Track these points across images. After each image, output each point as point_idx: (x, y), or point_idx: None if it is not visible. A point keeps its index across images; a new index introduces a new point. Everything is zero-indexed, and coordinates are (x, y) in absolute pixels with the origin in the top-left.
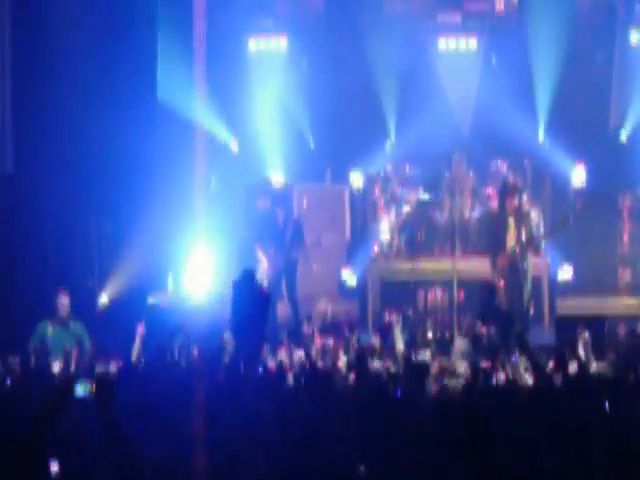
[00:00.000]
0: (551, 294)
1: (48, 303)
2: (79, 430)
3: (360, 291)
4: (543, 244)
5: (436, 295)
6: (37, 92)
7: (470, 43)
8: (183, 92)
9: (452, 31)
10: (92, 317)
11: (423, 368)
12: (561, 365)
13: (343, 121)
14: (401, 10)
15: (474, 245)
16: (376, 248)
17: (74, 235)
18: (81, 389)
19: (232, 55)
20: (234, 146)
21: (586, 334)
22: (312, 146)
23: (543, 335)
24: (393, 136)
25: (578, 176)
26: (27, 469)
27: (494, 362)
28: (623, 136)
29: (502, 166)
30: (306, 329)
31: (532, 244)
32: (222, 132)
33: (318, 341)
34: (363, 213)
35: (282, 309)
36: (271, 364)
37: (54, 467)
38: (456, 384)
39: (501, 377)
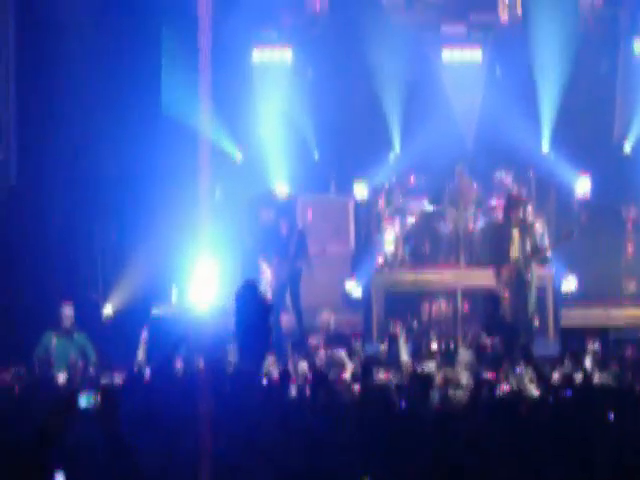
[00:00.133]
0: (555, 305)
1: (52, 314)
2: (83, 441)
3: (364, 302)
4: (550, 255)
5: (440, 306)
6: (41, 103)
7: (474, 54)
8: (187, 103)
9: (456, 42)
10: (96, 328)
11: (427, 379)
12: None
13: (347, 132)
14: (406, 21)
15: (478, 256)
16: (380, 259)
17: (78, 246)
18: (85, 400)
19: (236, 66)
20: (238, 157)
21: (594, 346)
22: (316, 157)
23: (548, 346)
24: (397, 147)
25: (582, 187)
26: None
27: (498, 373)
28: (627, 147)
29: (506, 177)
30: (312, 340)
31: (536, 255)
32: (227, 143)
33: (322, 352)
34: (367, 224)
35: (286, 320)
36: (276, 375)
37: (59, 478)
38: (460, 395)
39: (505, 388)
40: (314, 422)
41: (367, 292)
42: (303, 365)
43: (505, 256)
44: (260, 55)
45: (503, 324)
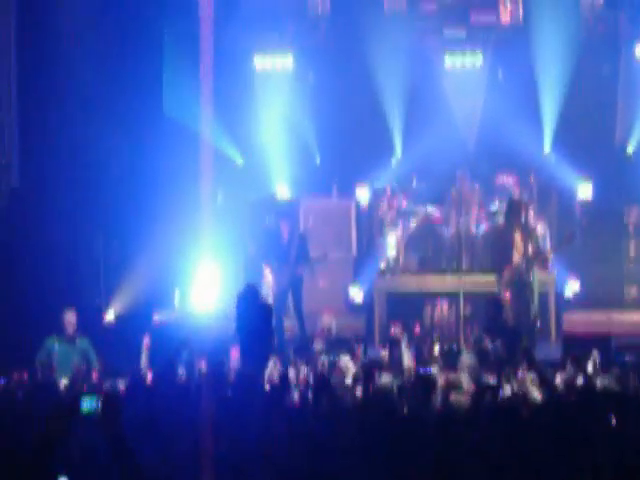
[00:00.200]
0: (557, 309)
1: (54, 319)
2: (86, 446)
3: (367, 306)
4: (551, 258)
5: (443, 310)
6: (43, 106)
7: (476, 58)
8: (190, 108)
9: (458, 45)
10: (99, 333)
11: (430, 383)
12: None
13: (349, 136)
14: (407, 26)
15: (480, 260)
16: (383, 263)
17: (80, 251)
18: (87, 405)
19: (238, 71)
20: (240, 162)
21: (596, 354)
22: (318, 161)
23: (550, 350)
24: (399, 151)
25: (584, 190)
26: None
27: (500, 377)
28: (629, 150)
29: (508, 181)
30: (315, 345)
31: (538, 258)
32: (228, 148)
33: (324, 357)
34: (369, 228)
35: (289, 325)
36: (278, 379)
37: None
38: (463, 399)
39: (507, 392)
40: (316, 426)
41: (369, 296)
42: (305, 370)
43: (507, 260)
44: (262, 60)
45: (505, 327)
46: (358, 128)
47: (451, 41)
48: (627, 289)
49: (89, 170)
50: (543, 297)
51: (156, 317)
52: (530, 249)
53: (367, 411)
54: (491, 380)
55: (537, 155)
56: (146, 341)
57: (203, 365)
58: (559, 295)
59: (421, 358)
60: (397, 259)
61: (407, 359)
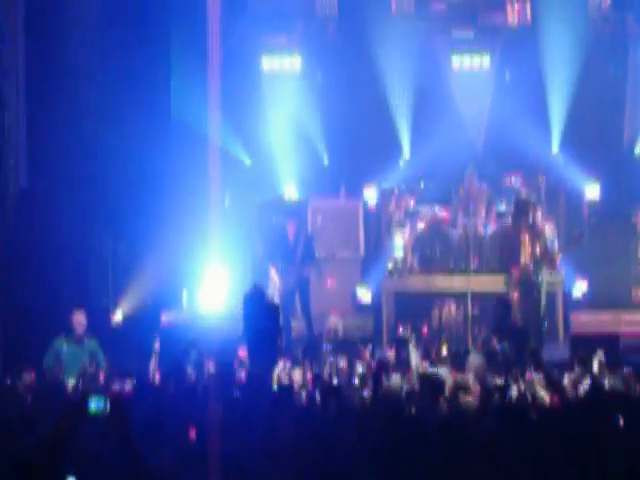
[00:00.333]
0: (565, 310)
1: (63, 320)
2: (94, 446)
3: (374, 307)
4: (559, 258)
5: (450, 311)
6: (51, 108)
7: (484, 59)
8: (197, 109)
9: (466, 46)
10: (106, 334)
11: (437, 384)
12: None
13: (357, 137)
14: (415, 27)
15: (488, 261)
16: (390, 264)
17: (88, 251)
18: (95, 406)
19: (246, 72)
20: (248, 162)
21: (601, 354)
22: (326, 162)
23: (557, 351)
24: (407, 152)
25: (592, 191)
26: None
27: (508, 378)
28: (637, 151)
29: (516, 182)
30: (322, 346)
31: (546, 259)
32: (236, 149)
33: (331, 358)
34: (377, 229)
35: (296, 326)
36: (286, 380)
37: None
38: (470, 400)
39: (515, 393)
40: (324, 427)
41: (377, 297)
42: (312, 371)
43: (515, 260)
44: (269, 61)
45: (513, 328)
46: (366, 129)
47: (459, 42)
48: (635, 290)
49: (97, 171)
50: (551, 297)
51: (164, 318)
52: (538, 249)
53: (375, 412)
54: (499, 381)
55: (545, 156)
56: (157, 346)
57: (211, 366)
58: (567, 295)
59: (429, 359)
60: (405, 260)
61: (415, 360)
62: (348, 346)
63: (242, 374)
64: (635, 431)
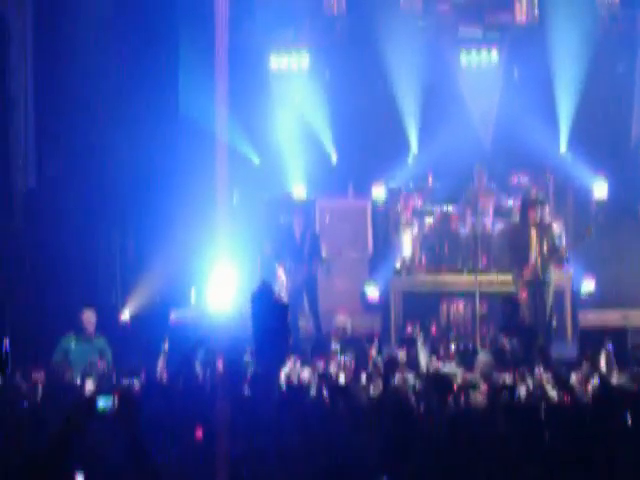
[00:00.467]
0: (573, 307)
1: (71, 318)
2: (103, 443)
3: (383, 305)
4: (567, 256)
5: (459, 308)
6: (59, 107)
7: (492, 56)
8: (205, 107)
9: (474, 44)
10: (115, 332)
11: (446, 382)
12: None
13: (365, 135)
14: (423, 24)
15: (496, 258)
16: (399, 262)
17: (96, 250)
18: (103, 403)
19: (254, 70)
20: (256, 161)
21: (608, 347)
22: (334, 160)
23: (565, 348)
24: (415, 150)
25: (600, 189)
26: None
27: (516, 375)
28: None
29: (524, 179)
30: (331, 344)
31: (554, 256)
32: (244, 147)
33: (340, 358)
34: (385, 227)
35: (304, 324)
36: (294, 378)
37: (79, 478)
38: (479, 398)
39: (523, 391)
40: (332, 426)
41: (385, 295)
42: (320, 370)
43: (524, 258)
44: (277, 59)
45: (522, 326)
46: (373, 126)
47: (467, 39)
48: None
49: (105, 170)
50: (559, 295)
51: (173, 316)
52: (546, 248)
53: (383, 410)
54: (508, 379)
55: (553, 154)
56: (166, 346)
57: (219, 364)
58: (575, 294)
59: (437, 357)
60: (413, 258)
61: (423, 358)
62: (356, 345)
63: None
64: None
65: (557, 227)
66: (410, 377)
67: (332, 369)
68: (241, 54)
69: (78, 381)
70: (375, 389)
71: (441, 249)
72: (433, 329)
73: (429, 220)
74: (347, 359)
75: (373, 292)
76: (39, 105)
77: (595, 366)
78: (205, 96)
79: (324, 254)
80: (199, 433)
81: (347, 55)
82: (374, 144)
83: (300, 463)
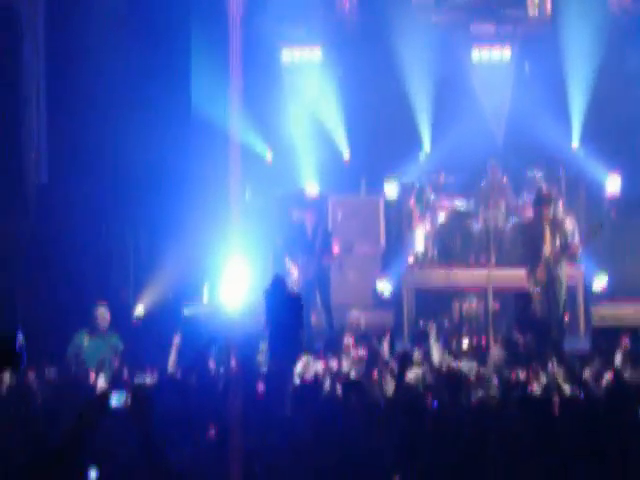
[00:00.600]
0: (586, 302)
1: (84, 314)
2: (116, 439)
3: (395, 301)
4: (579, 251)
5: (471, 304)
6: (71, 103)
7: (504, 52)
8: (217, 103)
9: (486, 41)
10: (128, 328)
11: (459, 378)
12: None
13: (377, 131)
14: (435, 20)
15: (509, 254)
16: (411, 258)
17: (109, 246)
18: (116, 400)
19: (266, 66)
20: (269, 157)
21: (626, 344)
22: (347, 157)
23: (578, 344)
24: (428, 146)
25: (613, 184)
26: (66, 477)
27: (530, 371)
28: None
29: (536, 175)
30: (345, 339)
31: (567, 253)
32: (257, 143)
33: (354, 351)
34: (398, 223)
35: (316, 319)
36: (308, 374)
37: (92, 474)
38: (492, 394)
39: (536, 387)
40: (345, 422)
41: (398, 291)
42: (333, 365)
43: (537, 254)
44: (290, 55)
45: (535, 321)
46: (386, 123)
47: (479, 35)
48: None
49: (118, 166)
50: (572, 290)
51: (185, 312)
52: (559, 243)
53: (396, 407)
54: (521, 374)
55: (565, 148)
56: (176, 341)
57: (232, 360)
58: (587, 288)
59: (450, 353)
60: (425, 253)
61: (436, 354)
62: (370, 339)
63: (264, 368)
64: None
65: (570, 223)
66: (423, 373)
67: (345, 364)
68: (253, 48)
69: (91, 378)
70: (386, 385)
71: (453, 244)
72: (446, 324)
73: (441, 215)
74: (360, 354)
75: (386, 288)
76: (51, 102)
77: (608, 361)
78: (217, 92)
79: (336, 250)
80: (212, 432)
81: (359, 51)
82: (386, 140)
83: (313, 459)
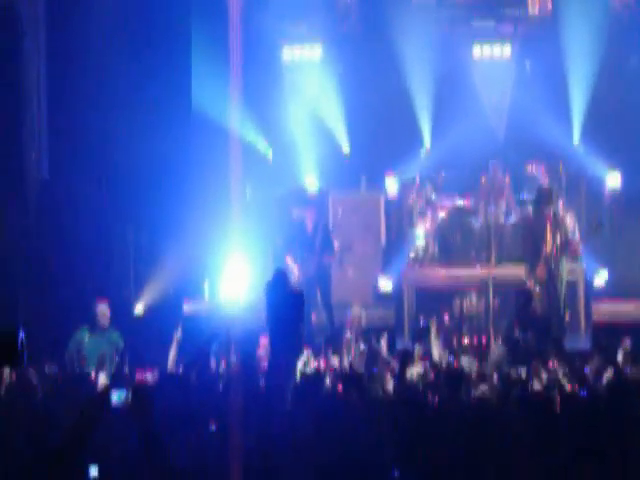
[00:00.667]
0: (587, 299)
1: (85, 311)
2: (117, 436)
3: (396, 297)
4: (580, 248)
5: (472, 301)
6: (72, 101)
7: (504, 49)
8: (218, 100)
9: (486, 37)
10: (128, 325)
11: (459, 375)
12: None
13: (378, 128)
14: (435, 17)
15: (509, 251)
16: (411, 255)
17: (110, 242)
18: (117, 397)
19: (267, 63)
20: (269, 154)
21: (626, 341)
22: (347, 153)
23: (579, 341)
24: (428, 142)
25: (613, 180)
26: (67, 474)
27: (530, 368)
28: None
29: (537, 171)
30: (346, 336)
31: (568, 249)
32: (257, 140)
33: (354, 348)
34: (398, 220)
35: (316, 316)
36: (309, 370)
37: (93, 471)
38: (492, 391)
39: (537, 383)
40: (345, 417)
41: (398, 287)
42: (335, 360)
43: (538, 251)
44: (290, 52)
45: (535, 318)
46: (387, 119)
47: (480, 31)
48: None
49: (119, 163)
50: (572, 287)
51: (186, 308)
52: (559, 240)
53: (397, 403)
54: (522, 371)
55: (566, 145)
56: (177, 335)
57: (233, 356)
58: (588, 285)
59: (451, 350)
60: (426, 250)
61: (436, 350)
62: (370, 336)
63: (265, 364)
64: None
65: (570, 219)
66: (423, 370)
67: (345, 360)
68: (254, 46)
69: (92, 375)
70: (386, 382)
71: (454, 240)
72: (446, 321)
73: (442, 211)
74: (361, 351)
75: (386, 284)
76: (52, 100)
77: (609, 358)
78: (218, 90)
79: (336, 246)
80: (213, 428)
81: (360, 48)
82: (387, 136)
83: (314, 455)
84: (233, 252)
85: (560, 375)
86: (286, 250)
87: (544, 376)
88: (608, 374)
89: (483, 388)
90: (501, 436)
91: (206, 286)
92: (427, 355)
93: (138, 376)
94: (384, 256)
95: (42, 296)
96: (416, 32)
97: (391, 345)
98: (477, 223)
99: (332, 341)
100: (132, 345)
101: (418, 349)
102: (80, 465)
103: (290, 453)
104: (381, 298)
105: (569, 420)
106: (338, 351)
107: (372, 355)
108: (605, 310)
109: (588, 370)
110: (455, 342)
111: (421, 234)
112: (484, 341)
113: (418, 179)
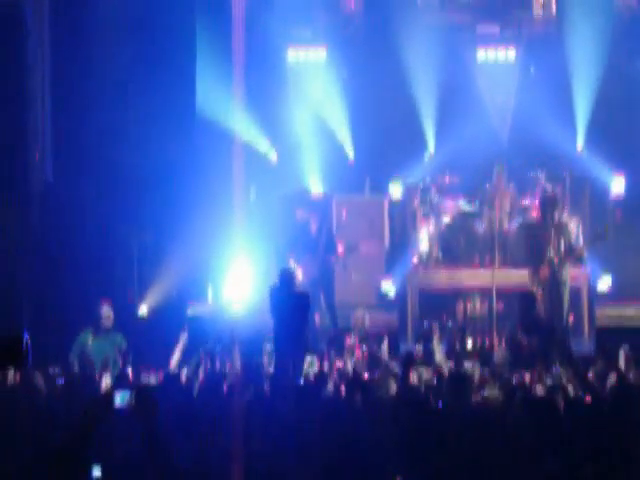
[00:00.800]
0: (590, 304)
1: (89, 313)
2: (120, 437)
3: (399, 301)
4: (584, 254)
5: (475, 305)
6: (76, 103)
7: (509, 54)
8: (222, 103)
9: (491, 42)
10: (132, 327)
11: (463, 379)
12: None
13: (382, 131)
14: (440, 21)
15: (513, 256)
16: (415, 258)
17: (114, 245)
18: (120, 399)
19: (271, 66)
20: (273, 157)
21: (626, 347)
22: (351, 157)
23: (582, 345)
24: (432, 146)
25: (617, 186)
26: (70, 475)
27: (534, 372)
28: None
29: (541, 176)
30: (348, 339)
31: (571, 256)
32: (261, 143)
33: (358, 351)
34: (402, 223)
35: (320, 318)
36: (312, 374)
37: (96, 472)
38: (496, 395)
39: (541, 388)
40: (349, 422)
41: (402, 291)
42: (339, 363)
43: (541, 256)
44: (294, 54)
45: (540, 323)
46: (391, 123)
47: (484, 35)
48: None
49: (122, 166)
50: (576, 292)
51: (190, 311)
52: (563, 245)
53: (401, 407)
54: (526, 376)
55: (570, 150)
56: (182, 338)
57: (237, 359)
58: (592, 290)
59: (454, 354)
60: (430, 253)
61: (439, 354)
62: (374, 339)
63: (269, 367)
64: None
65: (574, 225)
66: (426, 373)
67: (349, 363)
68: (258, 48)
69: (95, 377)
70: (389, 386)
71: (458, 244)
72: (450, 325)
73: (446, 216)
74: (364, 353)
75: (390, 288)
76: (56, 101)
77: (612, 363)
78: (222, 92)
79: (340, 249)
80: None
81: (364, 51)
82: (391, 140)
83: (317, 458)
84: (237, 254)
85: (564, 379)
86: (289, 251)
87: (548, 380)
88: (612, 378)
89: (486, 391)
90: (505, 440)
91: (210, 288)
92: (430, 358)
93: (142, 378)
94: (388, 259)
95: (46, 298)
96: (420, 36)
97: (394, 348)
98: (481, 227)
99: (335, 344)
100: (136, 347)
101: (419, 349)
102: (83, 465)
103: (293, 455)
104: (385, 301)
105: (572, 424)
106: (341, 354)
107: (373, 359)
108: (609, 314)
109: (591, 374)
110: (459, 346)
111: (425, 237)
112: (488, 344)
113: (422, 183)
